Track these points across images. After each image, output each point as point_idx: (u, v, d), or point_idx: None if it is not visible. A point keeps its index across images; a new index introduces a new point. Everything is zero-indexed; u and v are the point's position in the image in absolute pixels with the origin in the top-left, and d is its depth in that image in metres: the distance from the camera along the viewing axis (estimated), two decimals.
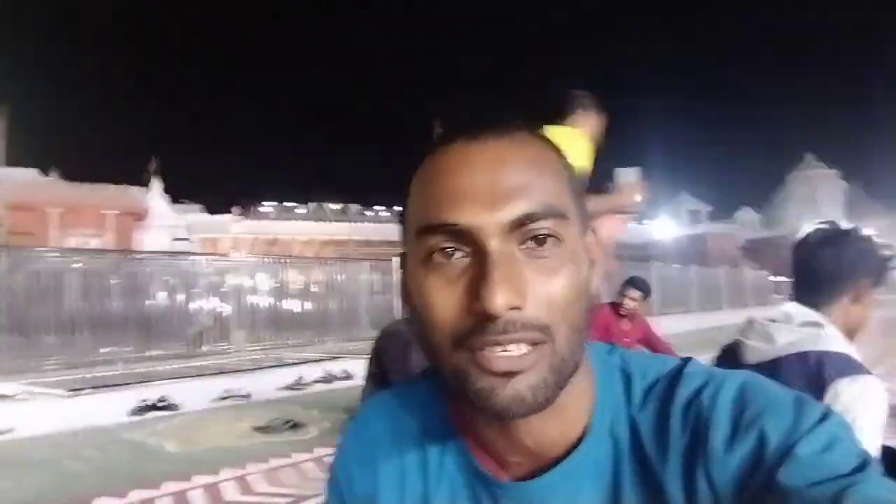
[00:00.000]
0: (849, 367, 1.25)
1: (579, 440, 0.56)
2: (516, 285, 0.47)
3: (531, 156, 0.52)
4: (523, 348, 0.48)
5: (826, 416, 0.48)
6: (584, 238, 0.55)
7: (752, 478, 0.47)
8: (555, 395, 0.50)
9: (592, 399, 0.57)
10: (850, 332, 1.42)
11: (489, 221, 0.49)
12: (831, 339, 1.32)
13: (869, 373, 1.25)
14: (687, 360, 0.58)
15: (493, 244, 0.48)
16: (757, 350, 1.40)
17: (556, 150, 0.56)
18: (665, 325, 13.04)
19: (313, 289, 11.73)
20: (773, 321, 1.40)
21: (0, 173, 21.11)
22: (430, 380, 0.65)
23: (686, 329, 14.99)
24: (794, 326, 1.37)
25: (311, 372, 7.94)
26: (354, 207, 49.55)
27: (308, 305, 11.49)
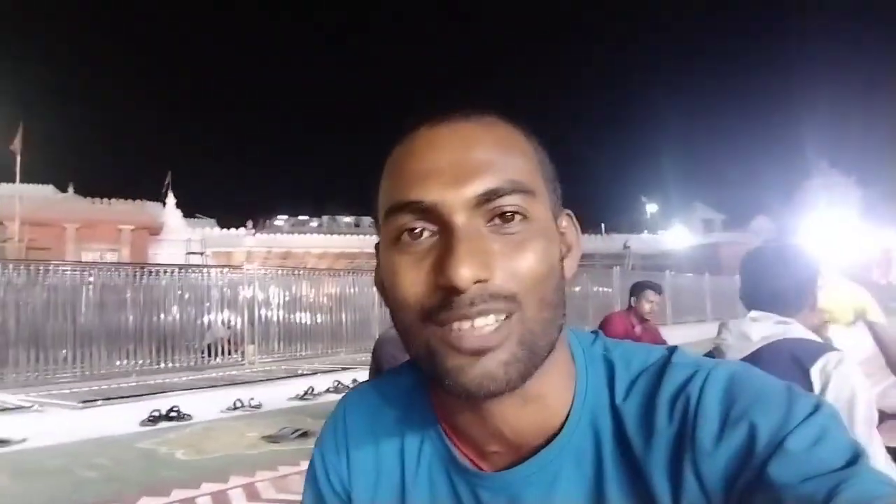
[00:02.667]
0: (823, 348, 1.35)
1: (559, 430, 0.54)
2: (482, 259, 0.47)
3: (498, 136, 0.52)
4: (491, 320, 0.48)
5: (817, 407, 0.47)
6: (556, 220, 0.55)
7: (741, 472, 0.45)
8: (527, 372, 0.49)
9: (573, 387, 0.56)
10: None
11: (454, 198, 0.48)
12: (802, 331, 1.43)
13: (843, 353, 1.34)
14: (673, 350, 0.57)
15: (459, 220, 0.48)
16: (735, 348, 1.45)
17: (527, 133, 0.55)
18: (679, 334, 12.98)
19: (325, 301, 11.77)
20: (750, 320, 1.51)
21: (18, 190, 21.39)
22: (412, 372, 0.64)
23: (700, 338, 14.86)
24: (766, 322, 1.47)
25: (322, 383, 7.97)
26: (367, 220, 49.58)
27: (320, 317, 11.52)
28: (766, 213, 52.33)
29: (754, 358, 1.37)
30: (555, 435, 0.54)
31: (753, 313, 1.53)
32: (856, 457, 0.44)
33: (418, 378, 0.63)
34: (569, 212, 0.58)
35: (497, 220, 0.49)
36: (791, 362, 1.32)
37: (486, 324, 0.48)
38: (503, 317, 0.48)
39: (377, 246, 0.56)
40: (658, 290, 4.85)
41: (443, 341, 0.49)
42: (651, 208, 52.29)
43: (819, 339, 1.44)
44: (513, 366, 0.48)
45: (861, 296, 4.16)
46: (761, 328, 1.46)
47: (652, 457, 0.50)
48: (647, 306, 4.70)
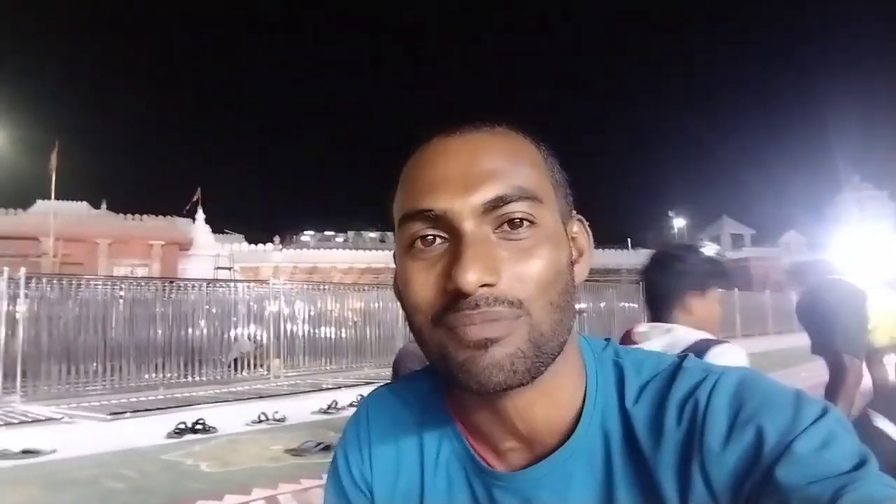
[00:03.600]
0: (705, 345, 1.46)
1: (571, 430, 0.56)
2: (489, 263, 0.49)
3: (507, 145, 0.54)
4: (496, 325, 0.49)
5: (825, 412, 0.47)
6: (567, 226, 0.56)
7: (749, 475, 0.46)
8: (536, 369, 0.51)
9: (583, 388, 0.57)
10: (704, 325, 1.64)
11: (463, 205, 0.50)
12: (684, 336, 1.54)
13: (725, 342, 1.47)
14: (684, 356, 0.58)
15: (467, 226, 0.50)
16: None
17: (536, 143, 0.57)
18: None
19: (350, 316, 11.84)
20: (638, 341, 1.60)
21: (52, 206, 21.92)
22: (428, 377, 0.66)
23: None
24: (653, 340, 1.56)
25: (346, 397, 7.99)
26: (392, 236, 49.85)
27: (345, 332, 11.58)
28: (797, 228, 51.37)
29: None
30: (567, 435, 0.56)
31: (640, 327, 1.66)
32: (863, 461, 0.44)
33: (434, 383, 0.65)
34: (580, 217, 0.59)
35: (505, 227, 0.51)
36: None
37: (492, 329, 0.49)
38: (509, 320, 0.50)
39: (395, 254, 0.58)
40: None
41: (451, 339, 0.50)
42: (678, 223, 51.67)
43: (705, 335, 1.54)
44: (519, 360, 0.50)
45: None
46: (655, 345, 1.53)
47: (661, 458, 0.51)
48: None
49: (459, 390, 0.55)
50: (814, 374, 4.23)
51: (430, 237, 0.52)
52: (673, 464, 0.51)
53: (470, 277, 0.48)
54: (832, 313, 3.76)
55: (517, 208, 0.51)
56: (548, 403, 0.55)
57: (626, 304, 15.97)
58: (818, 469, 0.44)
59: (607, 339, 0.64)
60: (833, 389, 3.70)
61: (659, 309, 1.70)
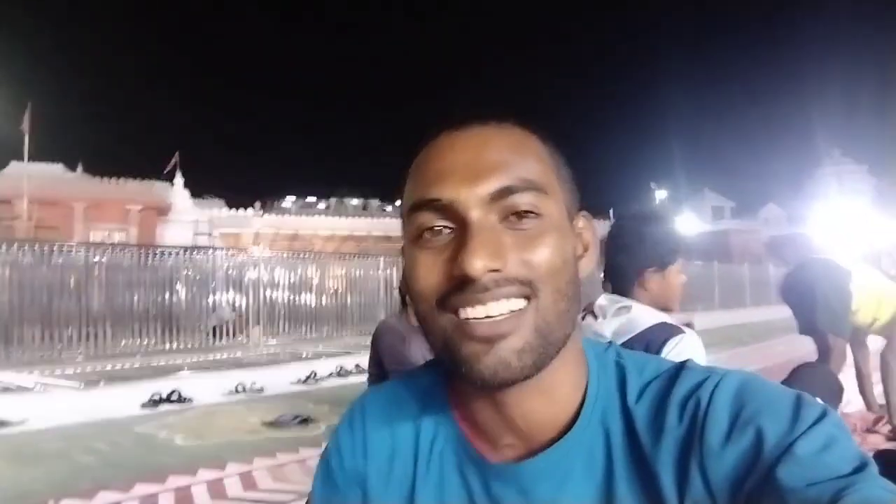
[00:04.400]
0: (666, 332, 1.50)
1: (570, 426, 0.56)
2: (495, 249, 0.49)
3: (513, 139, 0.55)
4: (504, 306, 0.50)
5: (824, 415, 0.47)
6: (572, 220, 0.57)
7: (748, 475, 0.46)
8: (541, 362, 0.51)
9: (584, 386, 0.57)
10: (663, 301, 1.67)
11: (469, 195, 0.51)
12: (642, 316, 1.56)
13: (683, 331, 1.51)
14: (685, 360, 0.58)
15: (474, 215, 0.51)
16: None
17: (543, 138, 0.57)
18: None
19: (331, 284, 11.75)
20: (595, 316, 1.63)
21: (26, 168, 21.40)
22: (430, 372, 0.66)
23: (709, 326, 14.77)
24: (611, 318, 1.59)
25: (326, 367, 7.94)
26: (375, 203, 49.73)
27: (326, 300, 11.51)
28: (777, 201, 51.91)
29: None
30: (565, 431, 0.56)
31: (600, 299, 1.66)
32: (863, 465, 0.44)
33: (436, 377, 0.65)
34: (586, 214, 0.60)
35: (511, 217, 0.52)
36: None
37: (499, 310, 0.50)
38: (518, 302, 0.50)
39: (403, 248, 0.58)
40: None
41: (457, 329, 0.51)
42: (660, 195, 51.92)
43: (660, 317, 1.57)
44: (527, 354, 0.50)
45: (894, 291, 4.03)
46: (609, 325, 1.58)
47: (660, 455, 0.52)
48: None
49: (461, 382, 0.55)
50: (790, 348, 4.24)
51: (437, 227, 0.52)
52: (672, 461, 0.51)
53: (476, 263, 0.48)
54: (817, 293, 3.76)
55: (523, 199, 0.52)
56: (548, 400, 0.55)
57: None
58: (818, 471, 0.44)
59: (609, 343, 0.64)
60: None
61: (618, 285, 1.71)
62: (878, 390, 4.52)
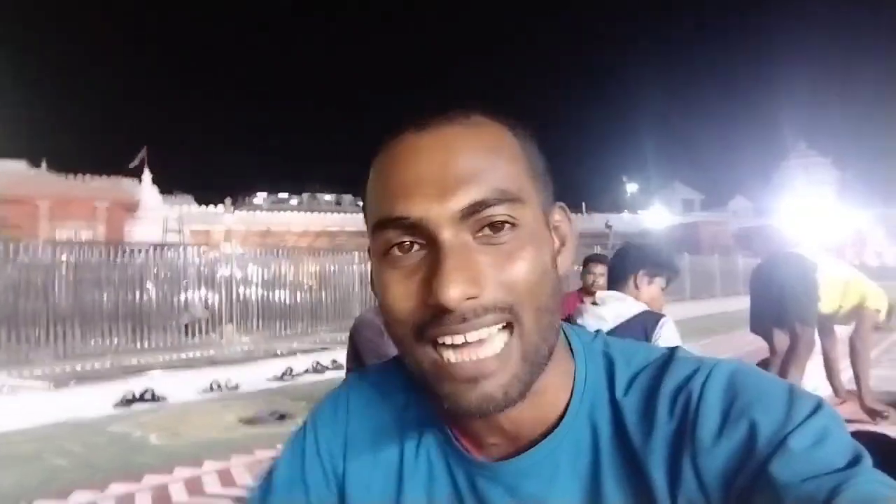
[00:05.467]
0: (655, 317, 2.01)
1: (558, 422, 0.55)
2: (470, 275, 0.46)
3: (483, 140, 0.51)
4: (484, 333, 0.47)
5: (818, 408, 0.46)
6: (548, 217, 0.54)
7: (741, 469, 0.45)
8: (528, 387, 0.49)
9: (571, 380, 0.56)
10: (648, 304, 2.13)
11: (439, 212, 0.47)
12: (634, 304, 2.07)
13: (665, 316, 2.02)
14: (675, 348, 0.57)
15: (445, 235, 0.47)
16: (593, 328, 1.75)
17: (514, 130, 0.53)
18: None
19: (305, 280, 11.67)
20: (598, 304, 2.09)
21: None
22: None
23: (679, 317, 14.97)
24: (611, 304, 2.07)
25: (301, 363, 7.90)
26: (348, 198, 49.43)
27: (300, 296, 11.42)
28: (745, 193, 52.85)
29: (616, 333, 1.86)
30: (553, 428, 0.55)
31: (602, 293, 2.14)
32: (857, 458, 0.44)
33: None
34: (561, 204, 0.57)
35: (486, 230, 0.48)
36: (641, 333, 1.91)
37: (479, 336, 0.47)
38: (498, 328, 0.48)
39: (370, 254, 0.55)
40: (601, 260, 4.77)
41: (437, 367, 0.49)
42: (631, 188, 52.50)
43: (649, 308, 2.07)
44: (514, 387, 0.48)
45: (860, 281, 4.17)
46: (610, 309, 2.03)
47: (651, 451, 0.50)
48: (589, 279, 4.61)
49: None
50: (760, 338, 4.34)
51: (406, 243, 0.49)
52: (663, 456, 0.50)
53: (452, 293, 0.45)
54: (784, 285, 3.89)
55: (497, 212, 0.48)
56: (535, 403, 0.53)
57: (578, 268, 16.17)
58: (813, 466, 0.43)
59: (597, 331, 0.63)
60: (787, 357, 3.80)
61: (616, 285, 2.21)
62: (845, 377, 4.65)
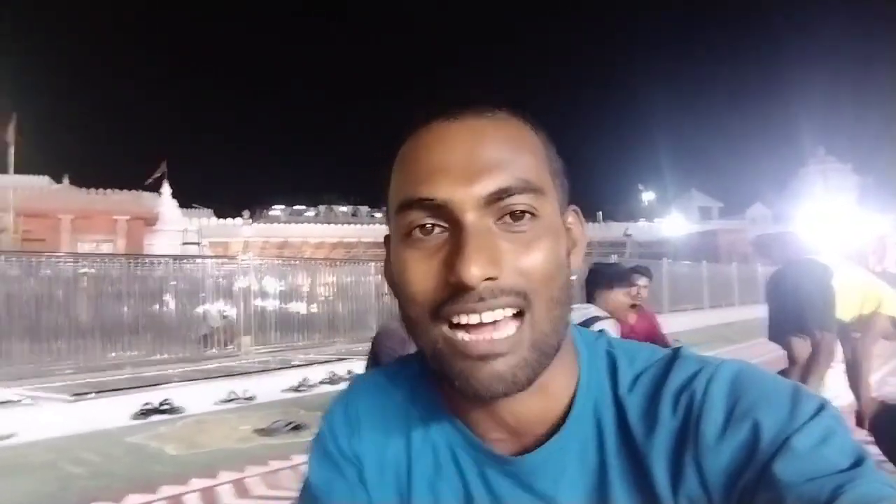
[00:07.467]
0: (592, 319, 2.55)
1: (562, 419, 0.55)
2: (491, 256, 0.48)
3: (509, 133, 0.53)
4: (499, 315, 0.48)
5: (822, 408, 0.47)
6: (563, 216, 0.55)
7: (745, 469, 0.45)
8: (536, 374, 0.50)
9: (576, 378, 0.57)
10: (613, 309, 2.87)
11: (465, 195, 0.49)
12: (587, 312, 2.68)
13: (608, 317, 2.65)
14: (679, 348, 0.57)
15: (469, 217, 0.49)
16: None
17: (536, 128, 0.55)
18: (677, 322, 12.97)
19: (322, 291, 11.71)
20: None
21: (12, 181, 21.24)
22: (418, 360, 0.64)
23: (697, 325, 14.84)
24: (579, 311, 2.68)
25: (317, 374, 7.91)
26: (364, 209, 49.64)
27: (316, 308, 11.45)
28: (763, 201, 52.23)
29: None
30: (556, 424, 0.55)
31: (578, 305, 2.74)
32: (860, 459, 0.44)
33: (424, 366, 0.62)
34: (574, 207, 0.59)
35: (507, 219, 0.50)
36: None
37: (493, 318, 0.49)
38: (512, 313, 0.49)
39: (387, 238, 0.57)
40: (649, 275, 4.73)
41: (450, 344, 0.50)
42: (648, 196, 52.21)
43: (599, 312, 2.70)
44: (522, 369, 0.50)
45: (878, 286, 4.10)
46: (576, 314, 2.52)
47: (654, 448, 0.51)
48: (634, 291, 4.55)
49: (454, 390, 0.53)
50: (778, 346, 4.28)
51: (428, 226, 0.50)
52: (666, 454, 0.50)
53: (474, 271, 0.47)
54: (801, 292, 3.84)
55: (520, 200, 0.50)
56: (540, 398, 0.55)
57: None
58: (816, 466, 0.43)
59: (600, 330, 0.64)
60: (807, 364, 3.76)
61: (589, 297, 3.00)
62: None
